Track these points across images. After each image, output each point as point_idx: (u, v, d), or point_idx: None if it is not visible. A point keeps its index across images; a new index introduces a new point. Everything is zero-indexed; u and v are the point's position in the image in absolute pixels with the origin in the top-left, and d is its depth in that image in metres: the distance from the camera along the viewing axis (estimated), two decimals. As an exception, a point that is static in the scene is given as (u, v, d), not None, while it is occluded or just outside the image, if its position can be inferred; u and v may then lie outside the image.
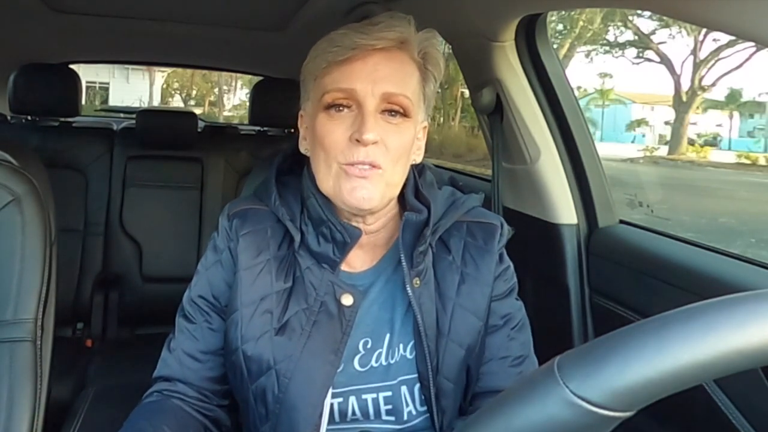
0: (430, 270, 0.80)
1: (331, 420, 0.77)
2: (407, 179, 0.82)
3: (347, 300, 0.77)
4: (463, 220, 0.84)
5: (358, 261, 0.82)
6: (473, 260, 0.82)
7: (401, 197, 0.83)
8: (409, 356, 0.79)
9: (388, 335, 0.79)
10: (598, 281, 1.28)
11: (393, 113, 0.75)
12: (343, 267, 0.80)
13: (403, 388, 0.78)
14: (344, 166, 0.73)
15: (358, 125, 0.72)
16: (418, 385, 0.78)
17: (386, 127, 0.74)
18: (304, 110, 0.82)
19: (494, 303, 0.83)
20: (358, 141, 0.72)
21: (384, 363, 0.78)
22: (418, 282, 0.78)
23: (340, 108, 0.74)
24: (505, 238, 0.86)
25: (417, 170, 0.85)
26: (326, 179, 0.76)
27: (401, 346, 0.79)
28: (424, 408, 0.79)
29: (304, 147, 0.82)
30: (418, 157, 0.83)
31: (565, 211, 1.33)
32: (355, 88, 0.73)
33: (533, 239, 1.36)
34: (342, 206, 0.76)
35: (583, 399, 0.34)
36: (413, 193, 0.82)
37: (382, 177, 0.74)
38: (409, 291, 0.77)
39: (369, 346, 0.78)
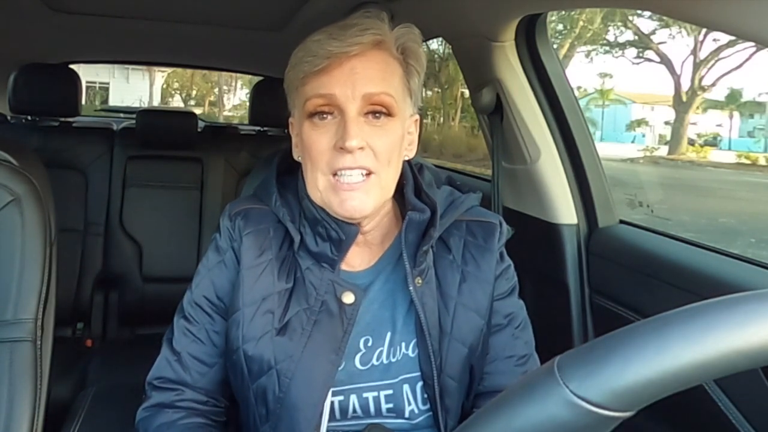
0: (432, 269, 0.80)
1: (332, 417, 0.77)
2: (406, 178, 0.82)
3: (348, 298, 0.77)
4: (463, 219, 0.84)
5: (357, 260, 0.82)
6: (474, 259, 0.82)
7: (400, 195, 0.83)
8: (411, 354, 0.79)
9: (389, 334, 0.79)
10: (598, 281, 1.28)
11: (377, 115, 0.74)
12: (343, 266, 0.80)
13: (405, 387, 0.78)
14: (332, 178, 0.73)
15: (341, 133, 0.72)
16: (420, 384, 0.78)
17: (371, 131, 0.73)
18: (293, 117, 0.82)
19: (497, 302, 0.83)
20: (342, 149, 0.72)
21: (385, 361, 0.78)
22: (420, 281, 0.78)
23: (324, 116, 0.74)
24: (505, 236, 0.85)
25: (417, 169, 0.85)
26: (315, 191, 0.76)
27: (403, 344, 0.79)
28: (427, 406, 0.79)
29: (296, 154, 0.82)
30: (410, 152, 0.82)
31: (565, 211, 1.33)
32: (335, 93, 0.72)
33: (533, 239, 1.36)
34: (334, 215, 0.76)
35: (583, 399, 0.34)
36: (414, 191, 0.82)
37: (376, 183, 0.74)
38: (412, 290, 0.77)
39: (370, 344, 0.78)
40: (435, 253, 0.81)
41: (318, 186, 0.75)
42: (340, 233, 0.77)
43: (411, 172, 0.83)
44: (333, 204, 0.74)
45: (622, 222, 1.35)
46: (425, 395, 0.79)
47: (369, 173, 0.74)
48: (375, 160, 0.73)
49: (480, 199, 0.87)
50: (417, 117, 0.83)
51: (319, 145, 0.74)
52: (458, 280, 0.80)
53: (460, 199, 0.84)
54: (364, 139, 0.72)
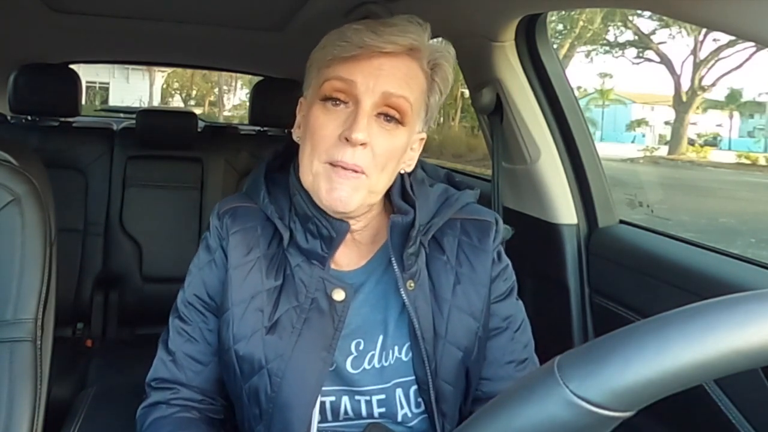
0: (424, 271, 0.79)
1: (324, 418, 0.76)
2: (394, 180, 0.81)
3: (338, 295, 0.76)
4: (457, 218, 0.82)
5: (345, 259, 0.81)
6: (468, 260, 0.80)
7: (387, 197, 0.82)
8: (404, 358, 0.78)
9: (381, 337, 0.78)
10: (598, 281, 1.28)
11: (388, 118, 0.73)
12: (332, 266, 0.79)
13: (398, 391, 0.77)
14: (328, 165, 0.72)
15: (350, 123, 0.71)
16: (414, 388, 0.78)
17: (378, 131, 0.73)
18: (305, 97, 0.81)
19: (495, 305, 0.82)
20: (347, 140, 0.71)
21: (377, 365, 0.77)
22: (412, 285, 0.76)
23: (337, 102, 0.73)
24: (501, 235, 0.84)
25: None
26: (307, 174, 0.75)
27: (396, 348, 0.78)
28: (420, 410, 0.78)
29: (296, 134, 0.81)
30: (408, 168, 0.81)
31: (565, 211, 1.33)
32: (356, 81, 0.71)
33: (533, 239, 1.36)
34: (319, 204, 0.75)
35: (583, 399, 0.34)
36: (399, 194, 0.81)
37: (365, 183, 0.73)
38: (404, 294, 0.75)
39: (361, 347, 0.77)
40: (428, 254, 0.80)
41: (311, 170, 0.74)
42: (331, 230, 0.76)
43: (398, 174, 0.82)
44: (321, 190, 0.73)
45: (622, 222, 1.35)
46: (419, 399, 0.78)
47: (362, 173, 0.72)
48: (372, 161, 0.72)
49: (477, 195, 0.85)
50: (424, 136, 0.82)
51: (325, 131, 0.73)
52: (452, 282, 0.79)
53: (455, 197, 0.82)
54: (369, 136, 0.71)
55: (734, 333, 0.33)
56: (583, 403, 0.34)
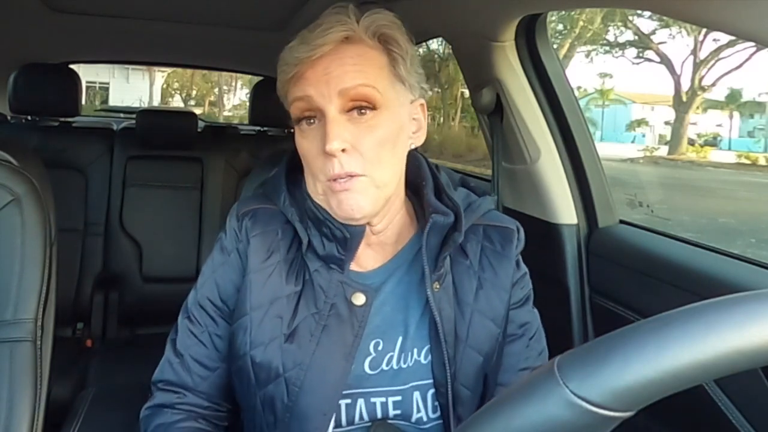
0: (449, 274, 0.78)
1: (339, 424, 0.75)
2: (425, 178, 0.79)
3: (359, 299, 0.75)
4: (480, 224, 0.81)
5: (369, 260, 0.80)
6: (491, 265, 0.79)
7: (412, 193, 0.81)
8: (423, 361, 0.76)
9: (400, 338, 0.76)
10: (598, 281, 1.28)
11: (362, 110, 0.71)
12: (353, 267, 0.78)
13: (416, 394, 0.76)
14: (328, 183, 0.72)
15: (324, 135, 0.70)
16: (432, 391, 0.76)
17: (356, 130, 0.71)
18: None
19: (512, 311, 0.81)
20: (327, 152, 0.70)
21: (395, 367, 0.76)
22: (437, 286, 0.75)
23: (311, 120, 0.73)
24: (522, 243, 0.83)
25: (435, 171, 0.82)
26: (315, 194, 0.75)
27: (415, 350, 0.76)
28: (437, 414, 0.77)
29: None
30: (417, 140, 0.79)
31: (565, 211, 1.33)
32: (311, 95, 0.71)
33: (533, 239, 1.35)
34: (336, 218, 0.74)
35: (583, 399, 0.34)
36: (434, 193, 0.79)
37: (366, 183, 0.71)
38: (430, 295, 0.74)
39: (380, 348, 0.76)
40: (452, 258, 0.79)
41: (317, 191, 0.74)
42: (344, 231, 0.74)
43: (431, 171, 0.81)
44: (332, 205, 0.73)
45: (622, 222, 1.35)
46: (436, 403, 0.76)
47: (358, 176, 0.71)
48: (363, 162, 0.71)
49: (495, 202, 0.85)
50: (422, 102, 0.79)
51: (309, 153, 0.73)
52: (475, 286, 0.78)
53: (477, 203, 0.81)
54: (346, 141, 0.70)
55: (734, 333, 0.33)
56: (583, 403, 0.34)
